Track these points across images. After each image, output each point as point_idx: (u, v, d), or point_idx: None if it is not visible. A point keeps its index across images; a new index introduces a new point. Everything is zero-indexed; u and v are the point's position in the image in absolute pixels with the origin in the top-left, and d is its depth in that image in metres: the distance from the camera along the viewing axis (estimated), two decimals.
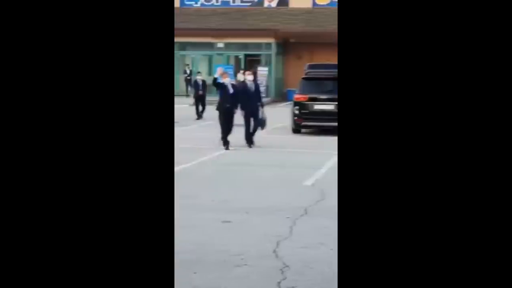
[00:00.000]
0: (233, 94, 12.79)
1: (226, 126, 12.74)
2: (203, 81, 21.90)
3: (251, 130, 13.16)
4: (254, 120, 13.17)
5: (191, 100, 26.96)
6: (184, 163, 10.80)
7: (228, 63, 33.37)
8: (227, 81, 13.06)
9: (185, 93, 29.44)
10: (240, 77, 30.45)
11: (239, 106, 13.10)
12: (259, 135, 13.57)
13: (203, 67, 32.91)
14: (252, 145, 13.09)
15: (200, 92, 21.06)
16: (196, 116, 20.37)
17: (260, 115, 13.20)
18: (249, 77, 13.27)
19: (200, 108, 20.64)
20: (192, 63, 34.33)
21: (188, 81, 32.32)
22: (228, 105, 12.66)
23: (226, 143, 12.82)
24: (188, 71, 32.90)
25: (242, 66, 32.87)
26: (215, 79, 13.16)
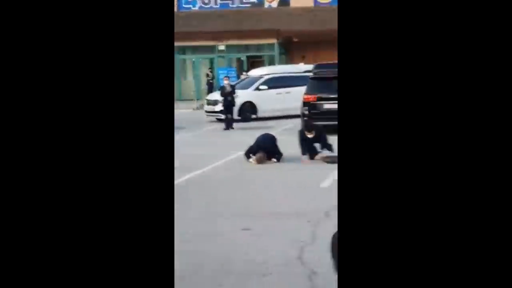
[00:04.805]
0: None
1: None
2: (232, 86, 19.06)
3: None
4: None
5: (195, 104, 26.85)
6: (197, 169, 10.64)
7: (230, 66, 33.28)
8: None
9: (194, 97, 28.91)
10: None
11: None
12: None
13: (204, 71, 32.79)
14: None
15: (229, 98, 18.48)
16: (224, 126, 18.03)
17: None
18: None
19: (229, 116, 18.22)
20: (193, 66, 34.17)
21: (210, 85, 31.93)
22: None
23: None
24: (210, 75, 32.48)
25: (245, 68, 32.80)
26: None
